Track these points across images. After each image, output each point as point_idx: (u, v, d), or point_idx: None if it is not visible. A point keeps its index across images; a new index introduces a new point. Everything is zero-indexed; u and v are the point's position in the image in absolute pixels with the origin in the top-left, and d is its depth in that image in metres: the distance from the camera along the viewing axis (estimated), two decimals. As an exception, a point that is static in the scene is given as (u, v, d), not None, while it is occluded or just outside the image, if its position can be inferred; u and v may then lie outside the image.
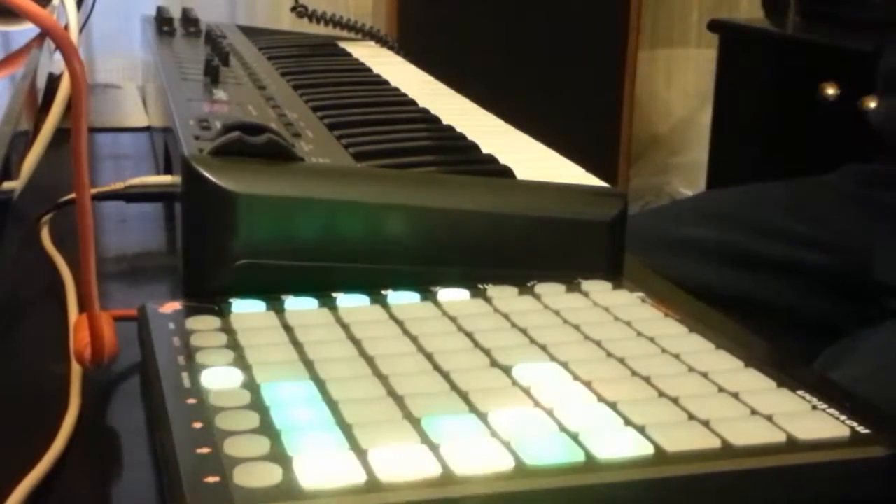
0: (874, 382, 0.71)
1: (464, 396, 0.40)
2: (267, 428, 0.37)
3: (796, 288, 0.97)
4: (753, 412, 0.39)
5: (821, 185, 1.04)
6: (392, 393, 0.40)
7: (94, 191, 0.65)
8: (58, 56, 0.88)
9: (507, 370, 0.43)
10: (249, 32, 1.11)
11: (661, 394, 0.41)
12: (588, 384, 0.41)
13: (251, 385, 0.41)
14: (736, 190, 1.18)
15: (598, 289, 0.52)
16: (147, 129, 1.04)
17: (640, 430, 0.38)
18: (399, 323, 0.48)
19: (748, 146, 2.14)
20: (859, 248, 0.95)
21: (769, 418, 0.38)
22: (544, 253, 0.55)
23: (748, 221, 1.02)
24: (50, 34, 0.39)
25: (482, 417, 0.38)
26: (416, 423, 0.38)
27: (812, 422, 0.38)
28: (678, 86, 2.78)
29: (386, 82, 0.87)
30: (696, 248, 0.99)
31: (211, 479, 0.34)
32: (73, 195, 0.56)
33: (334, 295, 0.50)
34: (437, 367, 0.43)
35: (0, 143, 0.57)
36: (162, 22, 1.05)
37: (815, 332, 0.89)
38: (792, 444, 0.37)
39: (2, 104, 0.63)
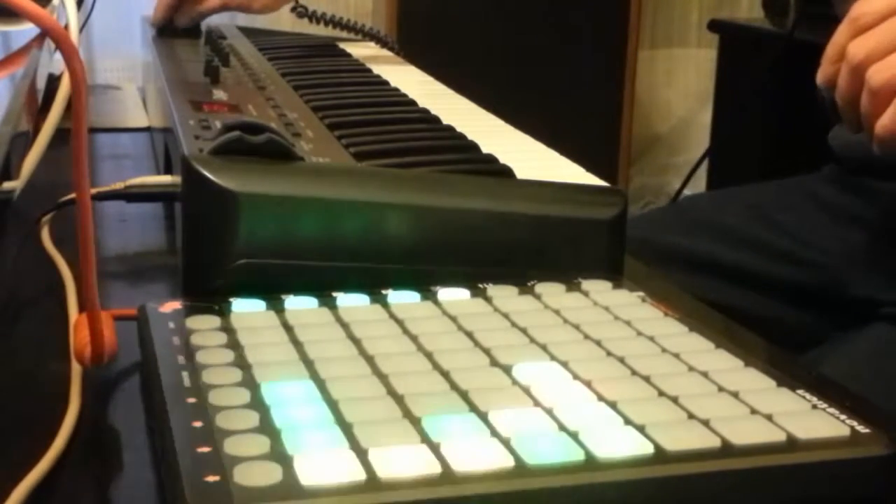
0: (861, 383, 0.71)
1: (464, 396, 0.40)
2: (267, 427, 0.37)
3: (772, 300, 0.97)
4: (753, 412, 0.39)
5: (802, 188, 1.03)
6: (392, 392, 0.40)
7: (94, 191, 0.65)
8: (58, 56, 0.88)
9: (507, 370, 0.43)
10: (249, 33, 1.11)
11: (661, 393, 0.41)
12: (588, 383, 0.41)
13: (251, 384, 0.41)
14: (716, 194, 1.18)
15: (598, 288, 0.52)
16: (147, 129, 1.04)
17: (640, 429, 0.38)
18: (399, 322, 0.48)
19: (748, 146, 2.14)
20: (835, 263, 0.95)
21: (769, 418, 0.38)
22: (544, 253, 0.55)
23: (724, 231, 1.02)
24: (50, 34, 0.39)
25: (482, 417, 0.38)
26: (416, 422, 0.38)
27: (812, 421, 0.38)
28: (678, 86, 2.79)
29: (386, 82, 0.87)
30: (673, 257, 0.99)
31: (211, 479, 0.34)
32: (73, 195, 0.56)
33: (334, 294, 0.50)
34: (437, 367, 0.43)
35: (0, 143, 0.57)
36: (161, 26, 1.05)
37: (792, 343, 0.89)
38: (792, 444, 0.37)
39: (2, 104, 0.63)
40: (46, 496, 0.40)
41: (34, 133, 0.71)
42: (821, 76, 0.74)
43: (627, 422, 0.38)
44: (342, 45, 1.09)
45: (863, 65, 0.69)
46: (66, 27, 0.77)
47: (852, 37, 0.71)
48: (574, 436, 0.37)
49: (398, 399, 0.40)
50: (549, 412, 0.39)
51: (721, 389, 0.41)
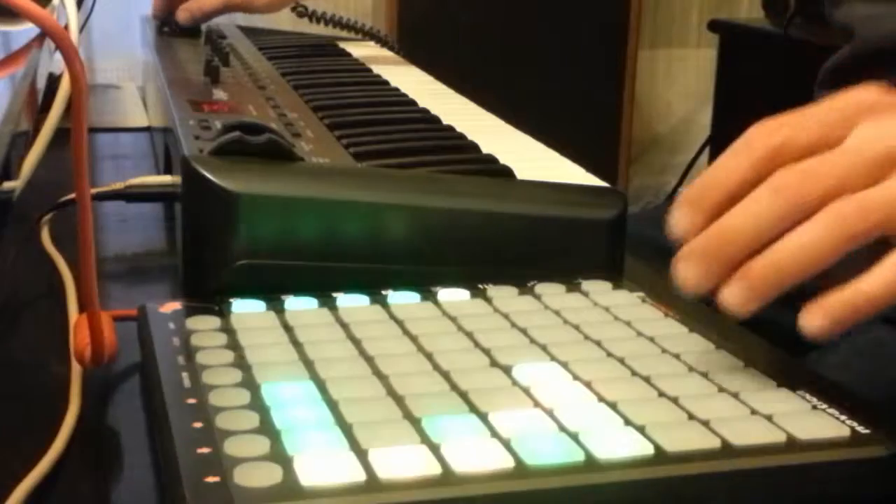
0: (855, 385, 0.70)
1: (464, 396, 0.40)
2: (267, 428, 0.37)
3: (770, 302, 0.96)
4: (753, 412, 0.39)
5: None
6: (392, 393, 0.40)
7: (94, 191, 0.65)
8: (58, 56, 0.88)
9: (507, 370, 0.43)
10: (249, 32, 1.11)
11: (661, 394, 0.41)
12: (588, 384, 0.41)
13: (251, 385, 0.41)
14: None
15: (598, 289, 0.52)
16: (147, 129, 1.04)
17: (640, 430, 0.38)
18: (399, 323, 0.48)
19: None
20: (833, 266, 0.94)
21: (769, 418, 0.38)
22: (544, 253, 0.55)
23: None
24: (50, 34, 0.39)
25: (482, 417, 0.38)
26: (416, 422, 0.38)
27: (812, 422, 0.38)
28: (678, 86, 2.79)
29: (386, 82, 0.87)
30: (672, 257, 0.99)
31: (211, 479, 0.34)
32: (73, 195, 0.56)
33: (334, 295, 0.50)
34: (437, 367, 0.43)
35: (0, 143, 0.57)
36: (162, 22, 1.05)
37: (789, 347, 0.89)
38: (792, 444, 0.37)
39: (2, 104, 0.63)
40: (46, 496, 0.40)
41: (34, 133, 0.71)
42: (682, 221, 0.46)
43: (627, 422, 0.38)
44: (342, 45, 1.09)
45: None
46: (66, 27, 0.77)
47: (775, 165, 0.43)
48: (574, 436, 0.37)
49: (398, 400, 0.40)
50: (550, 413, 0.39)
51: (721, 390, 0.41)
